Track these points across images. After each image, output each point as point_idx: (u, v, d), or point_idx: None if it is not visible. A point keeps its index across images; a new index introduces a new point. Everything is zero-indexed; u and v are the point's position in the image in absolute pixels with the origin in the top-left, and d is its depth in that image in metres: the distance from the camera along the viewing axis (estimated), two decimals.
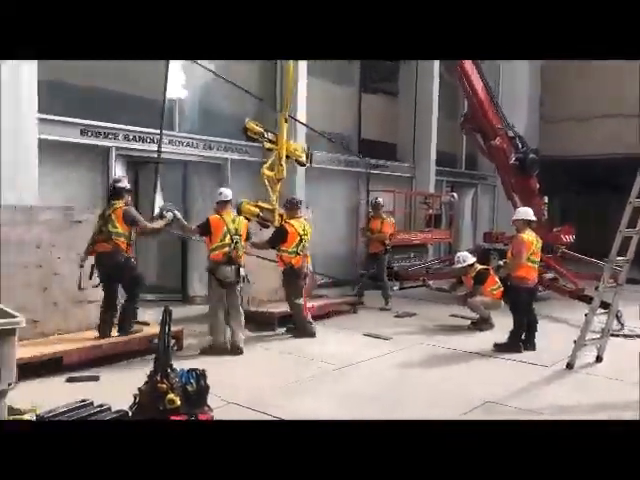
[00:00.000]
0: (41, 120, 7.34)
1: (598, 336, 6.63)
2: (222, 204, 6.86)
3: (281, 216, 7.67)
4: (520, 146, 10.78)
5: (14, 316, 3.64)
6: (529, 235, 7.03)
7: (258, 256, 8.03)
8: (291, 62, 7.88)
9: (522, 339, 7.05)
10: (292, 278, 7.53)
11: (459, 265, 8.45)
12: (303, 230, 7.49)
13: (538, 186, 11.00)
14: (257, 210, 7.44)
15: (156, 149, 8.01)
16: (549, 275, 10.82)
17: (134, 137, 8.75)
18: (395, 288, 11.63)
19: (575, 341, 6.34)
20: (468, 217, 16.62)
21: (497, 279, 8.16)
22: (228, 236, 6.65)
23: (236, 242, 6.67)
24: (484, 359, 6.71)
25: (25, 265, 6.14)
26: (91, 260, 6.16)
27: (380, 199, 10.44)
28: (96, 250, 6.17)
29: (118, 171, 8.67)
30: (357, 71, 13.23)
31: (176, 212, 6.76)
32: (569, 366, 6.24)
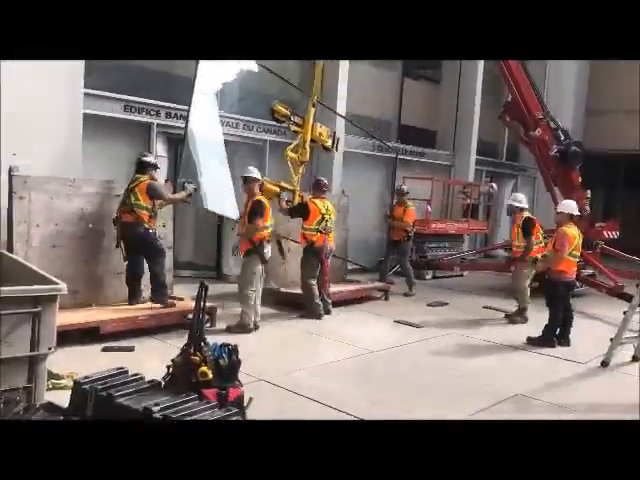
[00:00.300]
0: (86, 95, 7.48)
1: (636, 335, 6.47)
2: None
3: (301, 197, 7.81)
4: (562, 138, 10.53)
5: (56, 283, 3.75)
6: (572, 229, 6.91)
7: (288, 238, 8.11)
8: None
9: (556, 334, 6.94)
10: (310, 256, 7.65)
11: (513, 203, 8.39)
12: (326, 209, 7.69)
13: (580, 179, 10.74)
14: (277, 189, 7.56)
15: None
16: (587, 271, 10.59)
17: (175, 114, 8.85)
18: (428, 277, 11.57)
19: (612, 339, 6.21)
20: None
21: (540, 234, 8.18)
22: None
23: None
24: (516, 352, 6.62)
25: (67, 236, 6.30)
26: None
27: (404, 186, 10.40)
28: (120, 220, 6.39)
29: (159, 147, 8.81)
30: None
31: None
32: (604, 364, 6.12)
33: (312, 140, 7.74)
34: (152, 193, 6.45)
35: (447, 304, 9.17)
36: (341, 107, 10.78)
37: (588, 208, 10.81)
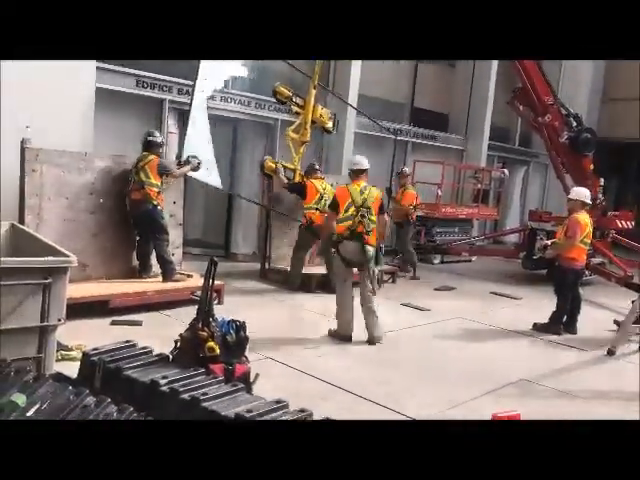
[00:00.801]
0: (99, 69, 7.46)
1: None
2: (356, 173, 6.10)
3: (302, 176, 8.07)
4: (574, 124, 10.39)
5: (67, 256, 3.78)
6: (584, 216, 6.88)
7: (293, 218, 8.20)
8: None
9: (563, 322, 6.91)
10: (307, 234, 7.78)
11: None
12: (323, 188, 7.80)
13: (592, 167, 10.62)
14: (274, 166, 7.87)
15: (210, 105, 8.16)
16: (597, 259, 10.54)
17: (187, 91, 8.81)
18: (436, 262, 11.56)
19: (618, 328, 6.20)
20: (517, 195, 16.24)
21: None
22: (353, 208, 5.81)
23: (362, 215, 5.79)
24: (522, 338, 6.63)
25: (78, 210, 6.33)
26: None
27: (406, 168, 10.47)
28: (130, 198, 6.47)
29: (170, 123, 8.80)
30: None
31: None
32: (610, 352, 6.12)
33: (313, 121, 7.90)
34: (162, 170, 6.55)
35: (454, 289, 9.17)
36: (354, 90, 10.72)
37: (601, 196, 10.73)
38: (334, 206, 5.95)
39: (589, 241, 7.00)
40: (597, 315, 8.13)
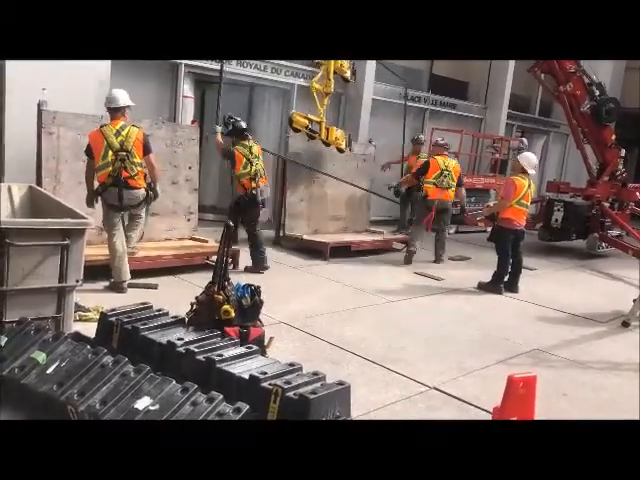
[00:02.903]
0: None
1: None
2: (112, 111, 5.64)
3: (327, 129, 8.06)
4: (597, 93, 10.14)
5: (84, 218, 3.81)
6: (520, 178, 7.06)
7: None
8: None
9: (504, 281, 7.17)
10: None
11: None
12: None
13: (614, 137, 10.41)
14: (307, 122, 7.86)
15: (227, 69, 8.39)
16: (615, 231, 10.42)
17: None
18: (451, 231, 11.48)
19: (634, 300, 6.16)
20: (537, 164, 15.99)
21: None
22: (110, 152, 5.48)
23: (122, 159, 5.48)
24: (537, 308, 6.60)
25: None
26: None
27: (422, 135, 10.50)
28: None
29: (186, 87, 8.73)
30: None
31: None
32: (625, 324, 6.09)
33: (334, 72, 7.91)
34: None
35: (470, 258, 9.14)
36: None
37: (622, 168, 10.55)
38: (89, 153, 5.51)
39: (527, 203, 7.16)
40: (613, 287, 8.07)
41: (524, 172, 7.12)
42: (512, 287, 7.19)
